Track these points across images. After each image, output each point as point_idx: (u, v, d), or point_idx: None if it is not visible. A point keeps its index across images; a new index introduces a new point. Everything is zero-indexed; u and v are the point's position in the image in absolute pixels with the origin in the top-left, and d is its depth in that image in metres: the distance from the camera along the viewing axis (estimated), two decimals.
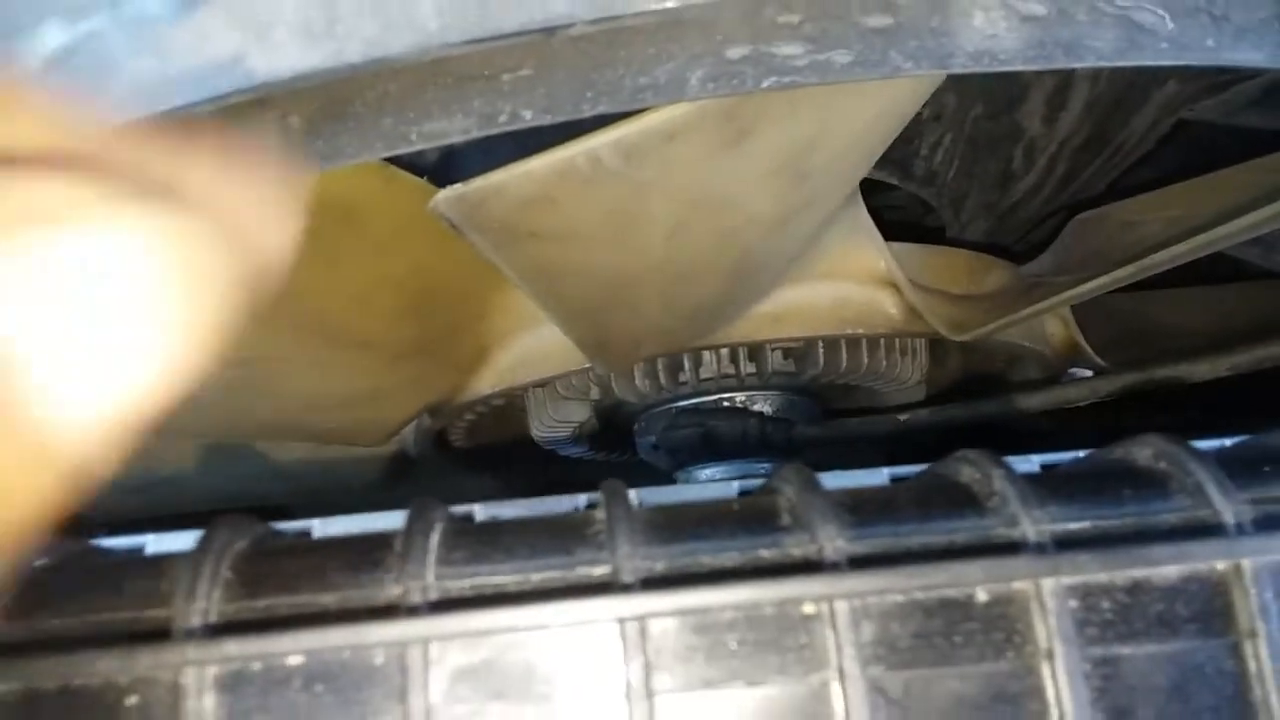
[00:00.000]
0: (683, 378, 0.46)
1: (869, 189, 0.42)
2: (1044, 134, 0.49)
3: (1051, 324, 0.47)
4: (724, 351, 0.45)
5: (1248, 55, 0.23)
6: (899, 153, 0.47)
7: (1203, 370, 0.36)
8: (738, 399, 0.50)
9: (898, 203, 0.54)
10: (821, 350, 0.44)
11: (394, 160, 0.36)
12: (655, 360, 0.45)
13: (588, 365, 0.43)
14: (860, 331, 0.42)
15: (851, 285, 0.41)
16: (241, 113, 0.24)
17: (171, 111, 0.23)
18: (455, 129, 0.23)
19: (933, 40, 0.22)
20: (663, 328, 0.38)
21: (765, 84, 0.22)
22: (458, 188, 0.25)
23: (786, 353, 0.45)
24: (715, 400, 0.50)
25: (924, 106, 0.45)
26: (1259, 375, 0.36)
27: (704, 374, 0.46)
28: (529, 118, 0.23)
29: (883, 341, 0.44)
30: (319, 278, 0.38)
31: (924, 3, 0.23)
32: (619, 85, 0.22)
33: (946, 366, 0.53)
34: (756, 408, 0.51)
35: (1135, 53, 0.23)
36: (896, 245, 0.42)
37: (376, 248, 0.38)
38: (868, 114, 0.29)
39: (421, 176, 0.35)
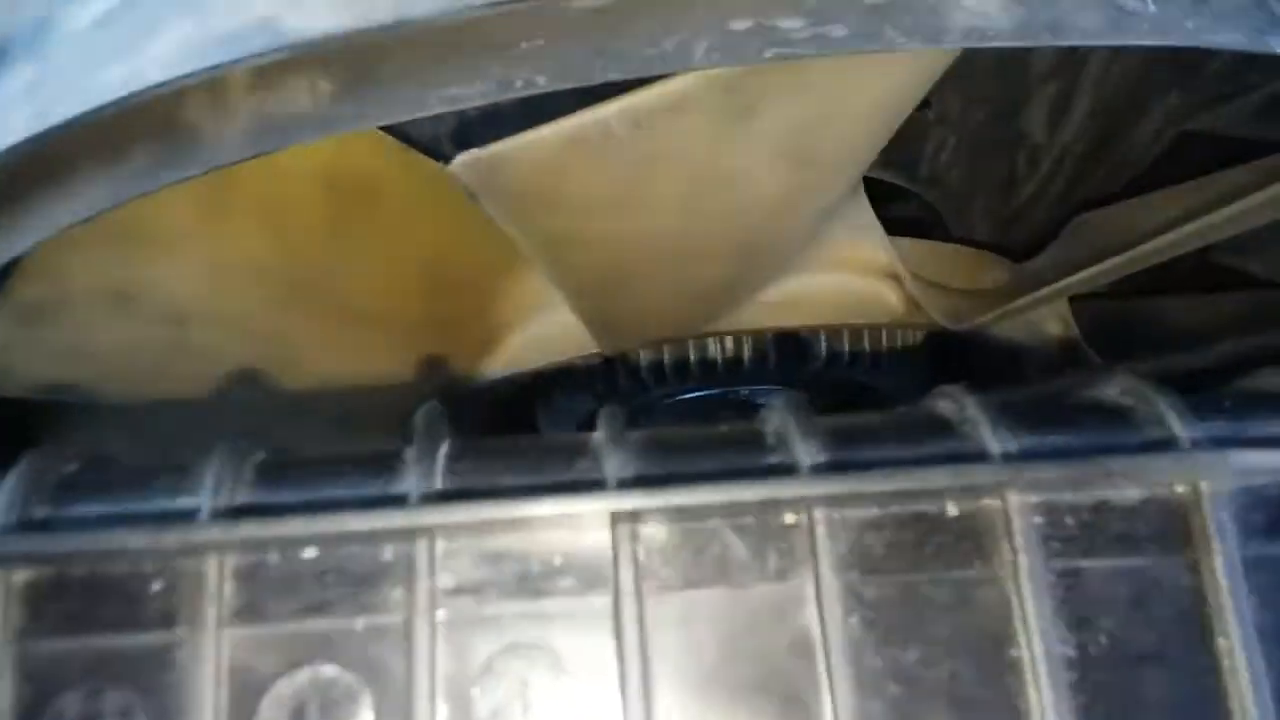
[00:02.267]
0: (686, 369, 0.47)
1: (875, 194, 0.43)
2: (1047, 140, 0.50)
3: (1051, 323, 0.48)
4: (728, 340, 0.46)
5: (1227, 38, 0.24)
6: (905, 154, 0.48)
7: (1195, 360, 0.37)
8: (741, 392, 0.51)
9: (903, 214, 0.55)
10: (824, 341, 0.45)
11: (412, 142, 0.38)
12: (660, 350, 0.46)
13: (595, 351, 0.44)
14: (861, 321, 0.43)
15: (854, 276, 0.42)
16: (275, 77, 0.25)
17: (207, 70, 0.24)
18: (473, 94, 0.24)
19: (926, 16, 0.23)
20: (669, 309, 0.39)
21: (768, 54, 0.23)
22: (473, 152, 0.27)
23: (789, 343, 0.46)
24: (720, 393, 0.51)
25: (929, 109, 0.46)
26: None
27: (707, 365, 0.47)
28: (542, 83, 0.24)
29: (884, 334, 0.46)
30: (336, 255, 0.39)
31: None
32: (628, 54, 0.24)
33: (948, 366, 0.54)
34: (760, 402, 0.52)
35: (1118, 33, 0.24)
36: (899, 239, 0.43)
37: (393, 227, 0.40)
38: (870, 98, 0.30)
39: (439, 159, 0.37)
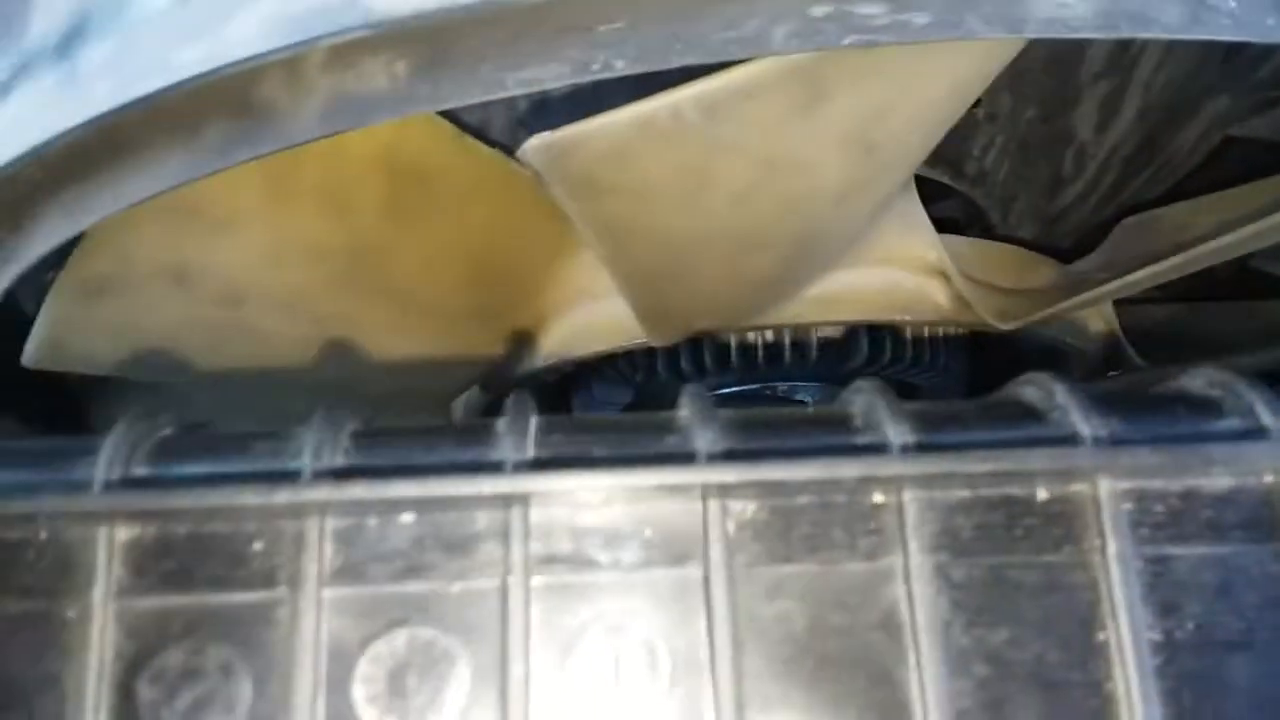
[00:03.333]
0: (727, 363, 0.48)
1: (920, 193, 0.43)
2: (1095, 140, 0.49)
3: (1095, 324, 0.48)
4: (769, 334, 0.46)
5: None
6: (952, 151, 0.48)
7: (1240, 365, 0.36)
8: (780, 388, 0.51)
9: (943, 214, 0.55)
10: (865, 338, 0.45)
11: (465, 127, 0.38)
12: (700, 343, 0.47)
13: (638, 341, 0.45)
14: (908, 318, 0.43)
15: (902, 273, 0.43)
16: (352, 56, 0.26)
17: (290, 48, 0.24)
18: (550, 75, 0.25)
19: (1008, 5, 0.23)
20: (721, 299, 0.40)
21: (846, 41, 0.23)
22: (545, 135, 0.27)
23: (830, 341, 0.46)
24: (758, 389, 0.51)
25: (979, 106, 0.46)
26: None
27: (749, 359, 0.48)
28: (620, 66, 0.24)
29: (926, 333, 0.46)
30: (390, 239, 0.40)
31: None
32: (706, 38, 0.24)
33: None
34: (799, 397, 0.52)
35: (1199, 27, 0.24)
36: (948, 237, 0.43)
37: (447, 212, 0.40)
38: (939, 86, 0.30)
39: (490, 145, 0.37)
